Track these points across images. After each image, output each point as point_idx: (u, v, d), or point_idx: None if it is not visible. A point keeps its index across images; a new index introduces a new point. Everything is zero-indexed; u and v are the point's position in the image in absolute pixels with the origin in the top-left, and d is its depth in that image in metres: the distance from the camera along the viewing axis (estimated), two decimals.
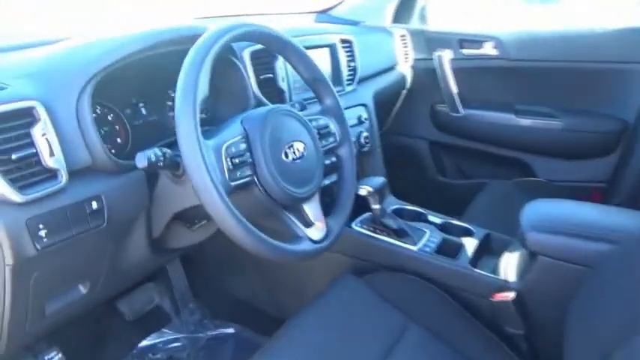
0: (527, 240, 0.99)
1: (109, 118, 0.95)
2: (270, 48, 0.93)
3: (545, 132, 1.74)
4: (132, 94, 1.00)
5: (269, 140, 0.80)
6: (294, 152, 0.84)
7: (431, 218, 1.33)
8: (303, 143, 0.86)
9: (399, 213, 1.35)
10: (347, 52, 1.42)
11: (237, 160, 0.75)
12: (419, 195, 1.90)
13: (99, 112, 0.93)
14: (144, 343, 1.39)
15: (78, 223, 0.77)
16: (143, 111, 1.02)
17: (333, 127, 0.98)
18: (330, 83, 0.98)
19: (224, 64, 1.08)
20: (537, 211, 1.05)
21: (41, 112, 0.73)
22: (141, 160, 0.72)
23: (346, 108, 1.35)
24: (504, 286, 1.06)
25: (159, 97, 1.05)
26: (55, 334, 1.15)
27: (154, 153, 0.74)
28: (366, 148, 1.40)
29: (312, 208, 0.89)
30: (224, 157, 0.74)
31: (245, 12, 1.86)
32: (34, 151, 0.72)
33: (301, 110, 1.02)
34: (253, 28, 0.84)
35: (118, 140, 0.96)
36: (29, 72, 0.78)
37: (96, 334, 1.27)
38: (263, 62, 1.16)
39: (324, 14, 1.97)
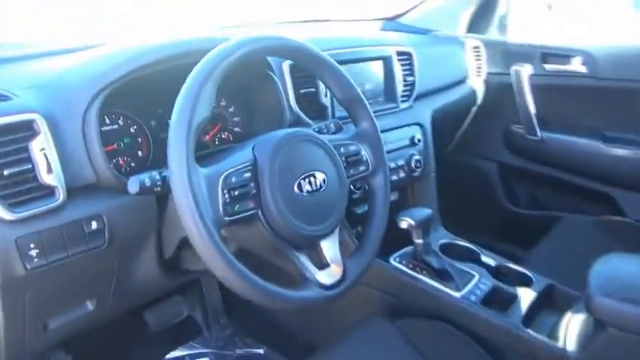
0: (594, 305, 0.81)
1: (132, 129, 0.91)
2: (298, 62, 0.84)
3: (637, 163, 1.49)
4: (159, 105, 0.95)
5: (280, 170, 0.71)
6: (310, 183, 0.74)
7: (484, 259, 1.17)
8: (324, 173, 0.76)
9: (447, 249, 1.20)
10: (405, 65, 1.30)
11: (236, 192, 0.67)
12: (482, 223, 1.73)
13: (121, 122, 0.90)
14: (170, 355, 1.36)
15: (74, 244, 0.73)
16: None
17: (366, 153, 0.86)
18: (367, 104, 0.87)
19: (259, 78, 1.01)
20: (611, 269, 0.86)
21: (42, 125, 0.69)
22: (133, 184, 0.66)
23: (398, 127, 1.24)
24: (562, 355, 0.89)
25: None
26: (74, 343, 1.14)
27: (149, 177, 0.67)
28: (416, 173, 1.26)
29: (329, 247, 0.78)
30: (220, 189, 0.66)
31: (308, 18, 1.78)
32: (30, 166, 0.68)
33: (336, 132, 0.91)
34: (273, 42, 0.75)
35: (139, 153, 0.92)
36: (37, 83, 0.75)
37: (120, 343, 1.26)
38: (304, 76, 1.07)
39: (392, 22, 1.84)
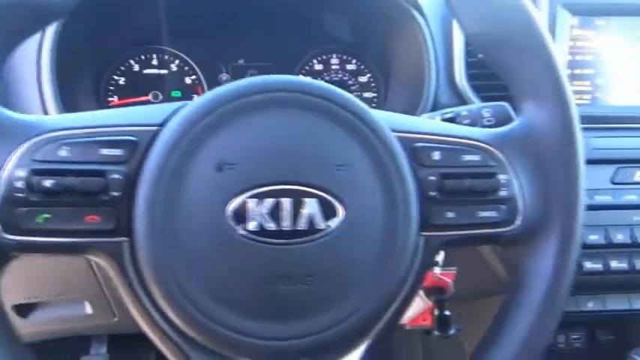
0: None
1: (188, 81, 0.63)
2: None
3: None
4: (240, 53, 0.64)
5: (196, 163, 0.29)
6: (273, 214, 0.29)
7: None
8: (338, 200, 0.29)
9: None
10: None
11: (52, 184, 0.27)
12: None
13: (173, 68, 0.62)
14: None
15: None
16: None
17: (517, 183, 0.33)
18: (557, 64, 0.34)
19: (398, 24, 0.57)
20: None
21: None
22: None
23: None
24: None
25: (288, 61, 0.65)
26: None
27: None
28: None
29: None
30: (15, 159, 0.28)
31: None
32: None
33: (496, 125, 0.40)
34: None
35: None
36: None
37: None
38: None
39: None
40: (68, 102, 0.50)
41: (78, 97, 0.53)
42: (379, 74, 0.65)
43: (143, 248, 0.28)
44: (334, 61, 0.65)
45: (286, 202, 0.29)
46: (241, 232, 0.29)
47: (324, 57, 0.65)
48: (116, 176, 0.29)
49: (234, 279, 0.29)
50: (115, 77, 0.60)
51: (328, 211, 0.30)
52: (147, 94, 0.61)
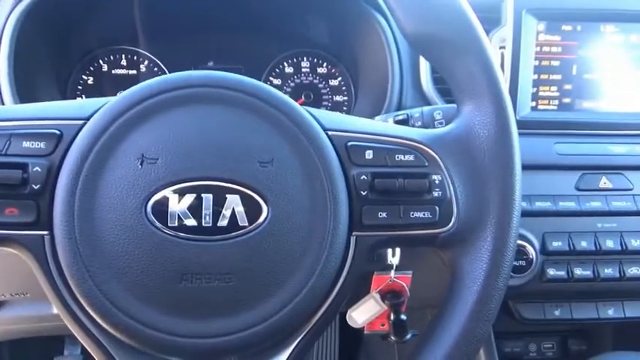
0: None
1: None
2: None
3: None
4: (210, 55, 0.64)
5: (120, 156, 0.29)
6: (193, 211, 0.29)
7: None
8: (261, 196, 0.29)
9: None
10: None
11: None
12: None
13: (142, 69, 0.62)
14: None
15: None
16: None
17: (449, 183, 0.33)
18: (492, 63, 0.34)
19: (358, 23, 0.57)
20: None
21: None
22: None
23: None
24: None
25: (258, 64, 0.65)
26: None
27: None
28: None
29: None
30: None
31: None
32: None
33: (433, 126, 0.40)
34: None
35: None
36: None
37: None
38: None
39: None
40: (30, 100, 0.51)
41: (40, 96, 0.53)
42: (349, 78, 0.65)
43: (61, 242, 0.28)
44: (305, 64, 0.65)
45: (207, 199, 0.29)
46: (161, 227, 0.28)
47: (295, 60, 0.65)
48: (37, 169, 0.29)
49: (153, 276, 0.28)
50: (84, 77, 0.61)
51: (252, 209, 0.29)
52: (114, 95, 0.61)
